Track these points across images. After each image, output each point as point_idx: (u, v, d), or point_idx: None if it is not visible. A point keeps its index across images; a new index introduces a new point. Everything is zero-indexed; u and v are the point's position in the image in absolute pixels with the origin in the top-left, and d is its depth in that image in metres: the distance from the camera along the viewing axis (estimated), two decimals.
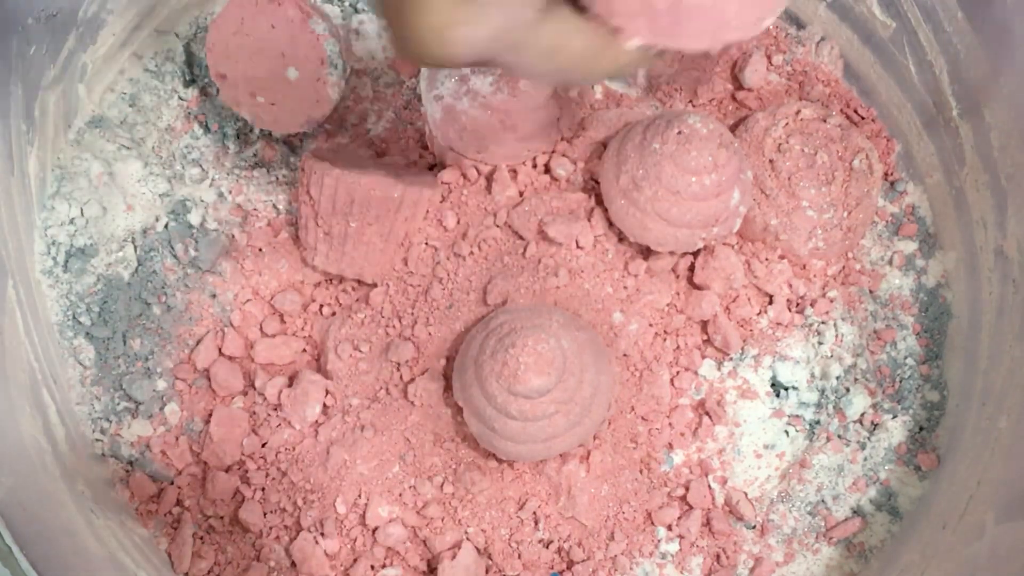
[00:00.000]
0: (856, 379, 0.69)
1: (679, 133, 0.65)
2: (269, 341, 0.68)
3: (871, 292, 0.71)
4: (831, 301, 0.70)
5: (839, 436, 0.68)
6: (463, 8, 0.39)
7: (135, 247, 0.69)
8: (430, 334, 0.66)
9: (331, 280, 0.69)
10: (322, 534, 0.63)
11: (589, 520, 0.64)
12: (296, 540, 0.63)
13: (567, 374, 0.60)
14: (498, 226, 0.68)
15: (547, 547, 0.64)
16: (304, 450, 0.65)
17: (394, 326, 0.66)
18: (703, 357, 0.68)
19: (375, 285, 0.68)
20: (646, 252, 0.68)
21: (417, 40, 0.40)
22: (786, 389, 0.69)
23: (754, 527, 0.67)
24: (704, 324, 0.68)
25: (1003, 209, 0.66)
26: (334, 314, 0.68)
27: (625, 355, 0.67)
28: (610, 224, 0.68)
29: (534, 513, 0.64)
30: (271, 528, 0.64)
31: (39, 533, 0.52)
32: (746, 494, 0.67)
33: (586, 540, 0.65)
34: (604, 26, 0.42)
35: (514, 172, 0.69)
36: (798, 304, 0.70)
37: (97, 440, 0.66)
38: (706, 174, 0.64)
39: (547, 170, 0.69)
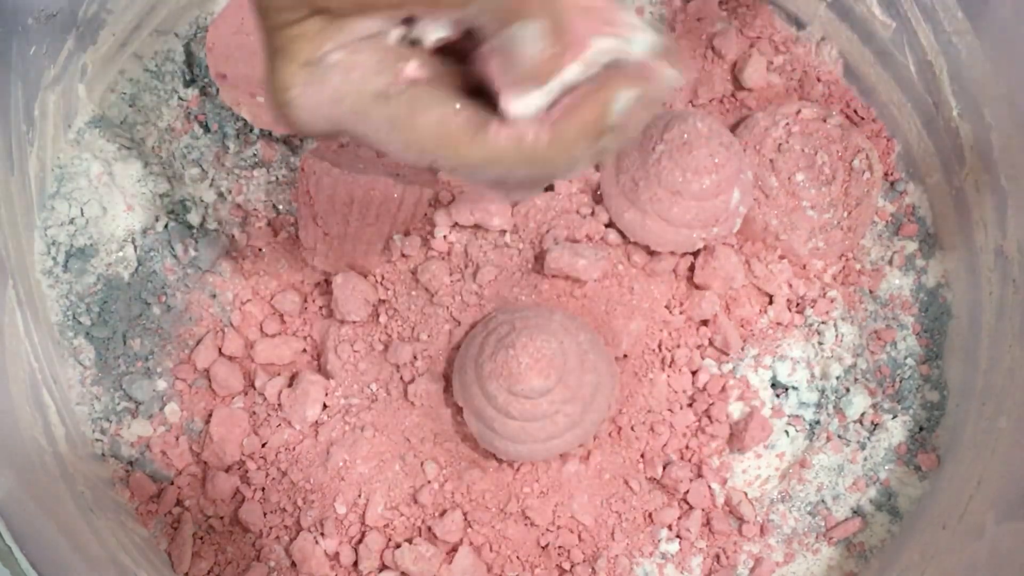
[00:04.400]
0: (856, 379, 0.69)
1: (679, 133, 0.65)
2: (269, 341, 0.68)
3: (871, 292, 0.71)
4: (831, 301, 0.70)
5: (839, 436, 0.68)
6: (305, 70, 0.39)
7: (135, 247, 0.69)
8: (430, 334, 0.66)
9: (331, 280, 0.69)
10: (322, 534, 0.63)
11: (589, 520, 0.64)
12: (296, 540, 0.63)
13: (567, 374, 0.60)
14: None
15: (547, 547, 0.64)
16: (304, 450, 0.65)
17: (394, 326, 0.66)
18: (703, 357, 0.68)
19: None
20: (646, 252, 0.68)
21: (271, 102, 0.40)
22: (786, 389, 0.69)
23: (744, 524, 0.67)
24: (704, 324, 0.68)
25: (1003, 209, 0.66)
26: (333, 314, 0.68)
27: (625, 355, 0.67)
28: (610, 224, 0.68)
29: (534, 513, 0.64)
30: (271, 528, 0.64)
31: (39, 533, 0.52)
32: (746, 494, 0.67)
33: (586, 540, 0.65)
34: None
35: None
36: (798, 304, 0.70)
37: (97, 440, 0.66)
38: (706, 174, 0.64)
39: None
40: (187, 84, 0.73)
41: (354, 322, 0.66)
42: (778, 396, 0.69)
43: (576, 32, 0.39)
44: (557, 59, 0.38)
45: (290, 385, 0.66)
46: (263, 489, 0.65)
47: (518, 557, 0.64)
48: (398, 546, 0.63)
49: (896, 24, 0.71)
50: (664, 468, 0.66)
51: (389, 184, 0.64)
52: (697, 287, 0.68)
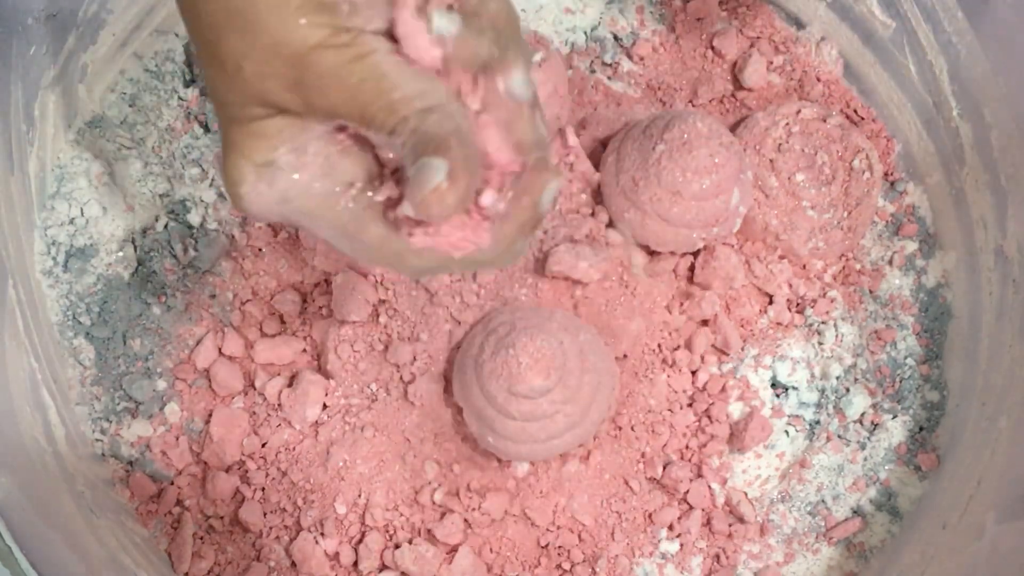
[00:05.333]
0: (856, 379, 0.69)
1: (679, 133, 0.65)
2: (269, 341, 0.68)
3: (871, 292, 0.71)
4: (831, 301, 0.70)
5: (839, 436, 0.68)
6: (256, 169, 0.40)
7: (135, 247, 0.69)
8: (430, 334, 0.66)
9: (331, 280, 0.69)
10: (322, 534, 0.63)
11: (589, 520, 0.64)
12: (296, 540, 0.63)
13: (567, 374, 0.61)
14: None
15: (547, 547, 0.64)
16: (304, 450, 0.65)
17: (394, 326, 0.66)
18: (703, 357, 0.68)
19: None
20: (646, 252, 0.68)
21: (226, 190, 0.42)
22: (786, 389, 0.69)
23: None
24: (704, 324, 0.68)
25: (1003, 209, 0.66)
26: (333, 314, 0.68)
27: (625, 355, 0.67)
28: (610, 224, 0.68)
29: (534, 513, 0.64)
30: (271, 528, 0.64)
31: (39, 533, 0.52)
32: (746, 494, 0.67)
33: (586, 540, 0.65)
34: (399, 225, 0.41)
35: None
36: (798, 304, 0.70)
37: (97, 440, 0.66)
38: (706, 174, 0.65)
39: None
40: (187, 84, 0.73)
41: (354, 322, 0.66)
42: (778, 396, 0.69)
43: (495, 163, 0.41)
44: (446, 196, 0.39)
45: (290, 385, 0.66)
46: (263, 489, 0.65)
47: (518, 557, 0.64)
48: (398, 546, 0.63)
49: (896, 24, 0.71)
50: (664, 468, 0.66)
51: None
52: (697, 287, 0.68)
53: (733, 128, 0.73)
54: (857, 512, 0.68)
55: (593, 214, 0.68)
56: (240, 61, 0.38)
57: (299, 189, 0.41)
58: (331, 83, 0.37)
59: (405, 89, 0.38)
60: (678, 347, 0.68)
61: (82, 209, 0.68)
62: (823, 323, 0.70)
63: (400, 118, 0.38)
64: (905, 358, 0.70)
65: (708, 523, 0.66)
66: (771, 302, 0.69)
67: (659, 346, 0.67)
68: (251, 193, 0.41)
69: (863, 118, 0.75)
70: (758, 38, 0.76)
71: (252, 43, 0.37)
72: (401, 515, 0.64)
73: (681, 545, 0.66)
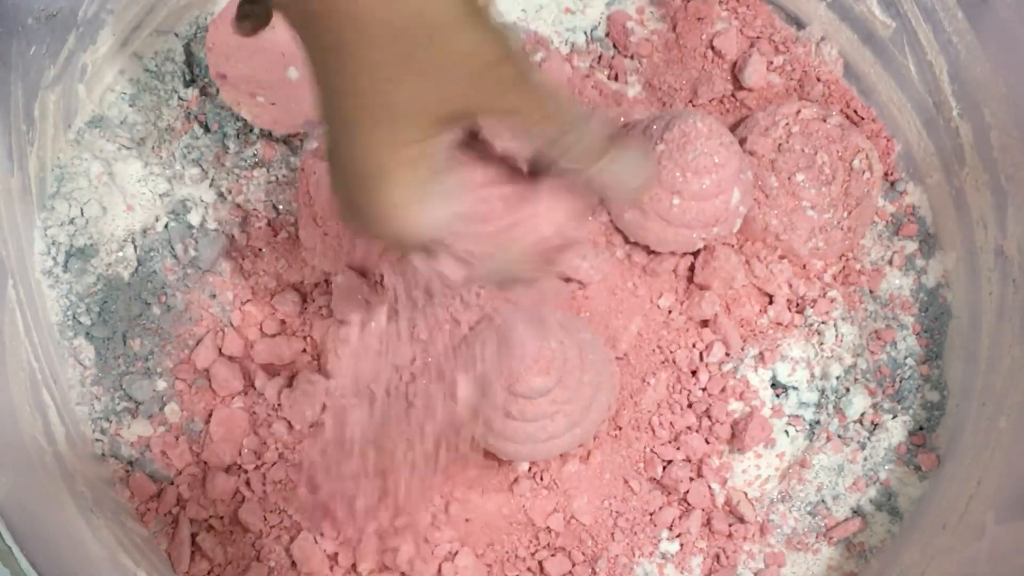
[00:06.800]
0: (856, 379, 0.69)
1: (679, 133, 0.65)
2: (269, 341, 0.68)
3: (871, 292, 0.71)
4: (831, 301, 0.70)
5: (839, 436, 0.68)
6: (419, 193, 0.42)
7: (135, 247, 0.69)
8: (430, 334, 0.66)
9: (331, 280, 0.69)
10: (322, 534, 0.63)
11: (589, 520, 0.64)
12: (296, 540, 0.63)
13: (567, 374, 0.61)
14: None
15: (547, 548, 0.64)
16: (304, 450, 0.65)
17: (394, 326, 0.66)
18: (703, 357, 0.68)
19: None
20: (647, 252, 0.68)
21: (382, 215, 0.43)
22: (786, 389, 0.69)
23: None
24: (704, 324, 0.68)
25: (1003, 209, 0.66)
26: (334, 314, 0.68)
27: (625, 355, 0.67)
28: (611, 224, 0.68)
29: (534, 513, 0.64)
30: (271, 528, 0.64)
31: (39, 533, 0.52)
32: (746, 494, 0.67)
33: (586, 540, 0.65)
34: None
35: None
36: (798, 304, 0.70)
37: (97, 440, 0.66)
38: (706, 174, 0.65)
39: None
40: (187, 84, 0.73)
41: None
42: (778, 396, 0.69)
43: None
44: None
45: (290, 385, 0.66)
46: (263, 489, 0.65)
47: (518, 557, 0.64)
48: (397, 547, 0.63)
49: (896, 24, 0.71)
50: (664, 468, 0.66)
51: None
52: (697, 287, 0.68)
53: (733, 128, 0.73)
54: (857, 512, 0.68)
55: (593, 214, 0.68)
56: (431, 74, 0.41)
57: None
58: (510, 89, 0.42)
59: (570, 107, 0.44)
60: (678, 347, 0.68)
61: (82, 209, 0.68)
62: (823, 323, 0.70)
63: (560, 127, 0.44)
64: (905, 358, 0.70)
65: (708, 523, 0.66)
66: (771, 302, 0.69)
67: (659, 346, 0.67)
68: (431, 211, 0.43)
69: (863, 118, 0.75)
70: (758, 38, 0.76)
71: (446, 55, 0.40)
72: (400, 515, 0.64)
73: (681, 545, 0.66)
